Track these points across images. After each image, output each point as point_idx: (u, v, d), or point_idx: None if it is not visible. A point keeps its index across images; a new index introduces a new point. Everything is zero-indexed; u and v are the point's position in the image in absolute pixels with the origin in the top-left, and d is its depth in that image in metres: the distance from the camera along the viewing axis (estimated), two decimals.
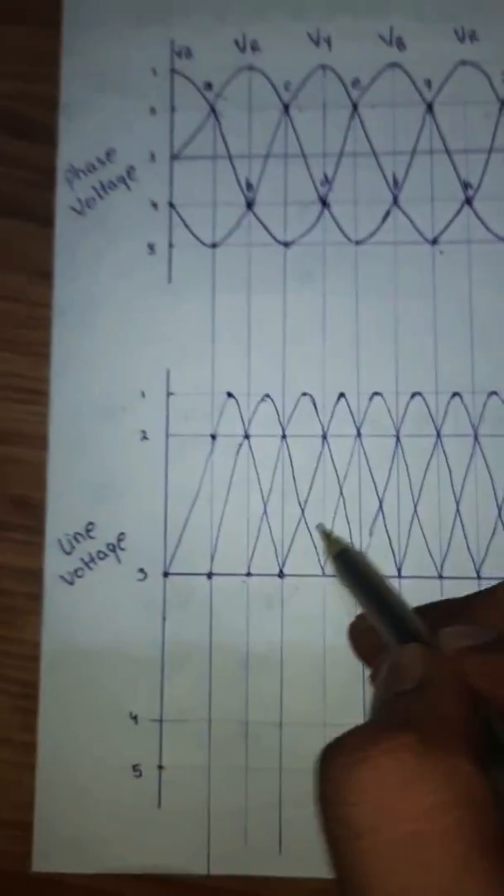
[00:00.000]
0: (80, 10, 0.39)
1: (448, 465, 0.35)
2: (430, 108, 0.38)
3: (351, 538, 0.35)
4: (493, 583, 0.34)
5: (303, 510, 0.35)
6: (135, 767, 0.34)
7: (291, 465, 0.36)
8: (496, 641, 0.22)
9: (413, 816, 0.17)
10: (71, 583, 0.35)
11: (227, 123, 0.38)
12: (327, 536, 0.31)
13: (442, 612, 0.25)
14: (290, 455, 0.36)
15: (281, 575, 0.35)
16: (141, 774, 0.34)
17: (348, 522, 0.35)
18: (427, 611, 0.25)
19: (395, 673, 0.23)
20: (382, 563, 0.35)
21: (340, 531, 0.35)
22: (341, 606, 0.35)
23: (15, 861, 0.34)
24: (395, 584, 0.30)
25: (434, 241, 0.37)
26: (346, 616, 0.28)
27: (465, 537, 0.35)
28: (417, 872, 0.17)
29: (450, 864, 0.17)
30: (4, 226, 0.38)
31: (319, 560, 0.35)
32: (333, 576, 0.31)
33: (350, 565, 0.29)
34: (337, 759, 0.18)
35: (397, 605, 0.27)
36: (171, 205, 0.38)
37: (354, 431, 0.36)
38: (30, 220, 0.38)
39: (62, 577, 0.35)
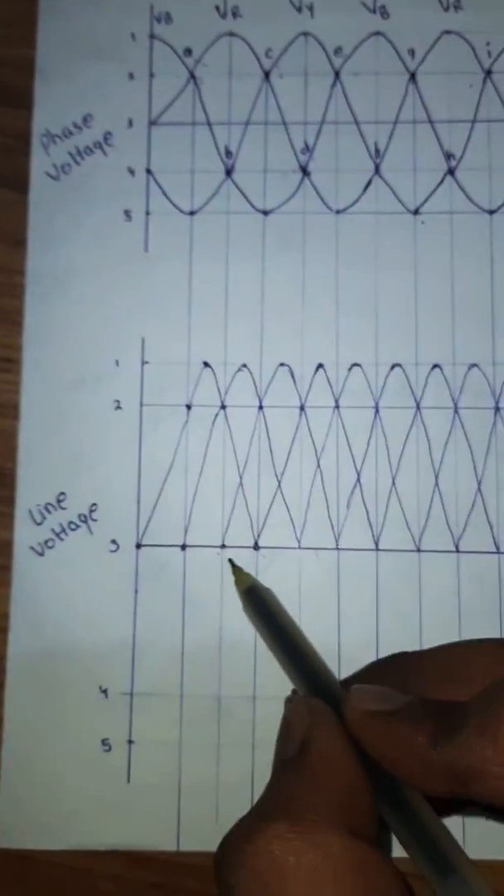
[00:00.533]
0: None
1: (427, 437, 0.35)
2: (413, 77, 0.37)
3: (328, 511, 0.34)
4: (471, 557, 0.34)
5: (279, 482, 0.35)
6: (104, 742, 0.33)
7: (268, 436, 0.35)
8: (407, 707, 0.22)
9: None
10: (41, 554, 0.35)
11: (207, 90, 0.37)
12: (235, 570, 0.32)
13: (392, 670, 0.25)
14: (266, 426, 0.35)
15: (256, 547, 0.34)
16: (110, 749, 0.33)
17: (325, 495, 0.34)
18: (381, 666, 0.25)
19: (283, 731, 0.24)
20: (360, 536, 0.34)
21: (315, 503, 0.34)
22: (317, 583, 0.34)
23: None
24: (301, 629, 0.31)
25: (416, 212, 0.36)
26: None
27: (444, 511, 0.34)
28: None
29: None
30: None
31: (295, 533, 0.34)
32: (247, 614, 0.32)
33: (259, 605, 0.31)
34: (224, 850, 0.21)
35: (310, 656, 0.28)
36: (149, 171, 0.37)
37: (333, 403, 0.35)
38: (3, 187, 0.37)
39: (32, 548, 0.35)
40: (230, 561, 0.33)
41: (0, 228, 0.37)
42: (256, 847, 0.20)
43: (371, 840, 0.20)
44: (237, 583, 0.32)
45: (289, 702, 0.25)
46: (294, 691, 0.28)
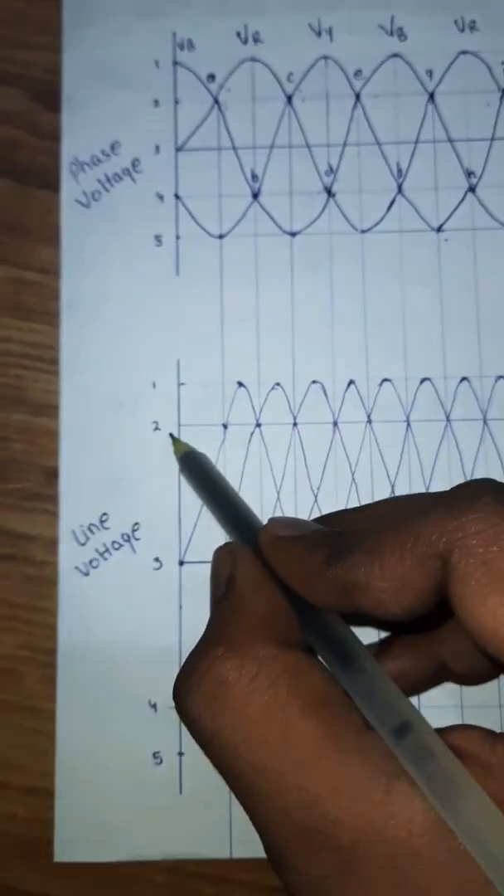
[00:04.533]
0: (82, 3, 0.39)
1: (458, 448, 0.36)
2: (431, 97, 0.38)
3: None
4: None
5: (315, 496, 0.36)
6: (155, 755, 0.34)
7: (303, 452, 0.36)
8: (311, 535, 0.25)
9: (239, 706, 0.22)
10: (86, 574, 0.35)
11: (231, 115, 0.38)
12: (174, 440, 0.35)
13: (328, 520, 0.28)
14: (301, 442, 0.36)
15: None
16: (161, 762, 0.34)
17: None
18: (319, 519, 0.28)
19: (212, 576, 0.28)
20: None
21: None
22: None
23: (43, 828, 0.34)
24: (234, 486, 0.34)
25: (439, 229, 0.37)
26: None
27: None
28: (262, 747, 0.21)
29: (282, 729, 0.21)
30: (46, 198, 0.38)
31: None
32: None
33: (194, 468, 0.33)
34: (177, 683, 0.23)
35: (235, 504, 0.31)
36: (177, 196, 0.38)
37: (365, 418, 0.36)
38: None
39: (77, 567, 0.35)
40: (170, 435, 0.36)
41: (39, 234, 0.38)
42: (201, 671, 0.23)
43: (300, 649, 0.23)
44: (175, 451, 0.35)
45: (214, 552, 0.28)
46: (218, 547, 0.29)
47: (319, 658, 0.24)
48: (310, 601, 0.24)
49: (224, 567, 0.26)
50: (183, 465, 0.34)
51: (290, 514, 0.35)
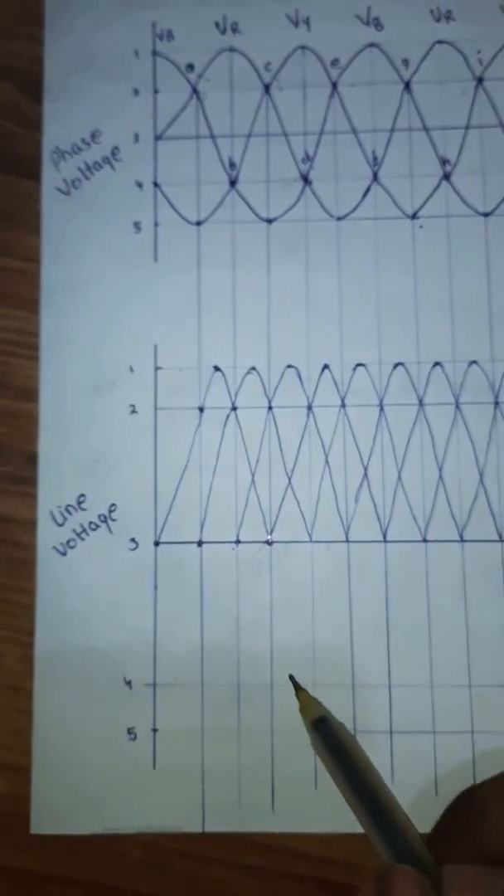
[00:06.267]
0: None
1: (431, 432, 0.36)
2: (407, 86, 0.38)
3: (338, 505, 0.36)
4: (475, 546, 0.35)
5: (290, 479, 0.36)
6: (130, 731, 0.35)
7: (278, 435, 0.37)
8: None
9: None
10: (64, 553, 0.36)
11: (210, 104, 0.39)
12: (301, 696, 0.29)
13: (464, 813, 0.25)
14: (276, 426, 0.37)
15: (269, 542, 0.36)
16: (136, 737, 0.35)
17: (334, 490, 0.36)
18: (456, 810, 0.25)
19: None
20: (368, 529, 0.36)
21: (325, 498, 0.36)
22: (328, 574, 0.36)
23: (19, 804, 0.35)
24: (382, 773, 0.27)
25: (414, 216, 0.38)
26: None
27: (448, 502, 0.36)
28: None
29: None
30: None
31: (307, 527, 0.36)
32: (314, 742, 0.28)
33: (329, 738, 0.27)
34: None
35: (392, 812, 0.25)
36: (156, 184, 0.38)
37: (339, 402, 0.37)
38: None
39: (55, 548, 0.36)
40: (291, 678, 0.30)
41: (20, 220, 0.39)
42: None
43: None
44: (303, 710, 0.28)
45: (388, 874, 0.23)
46: (391, 864, 0.25)
47: None
48: None
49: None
50: (315, 734, 0.28)
51: (264, 496, 0.36)
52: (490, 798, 0.25)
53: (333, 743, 0.27)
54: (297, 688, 0.29)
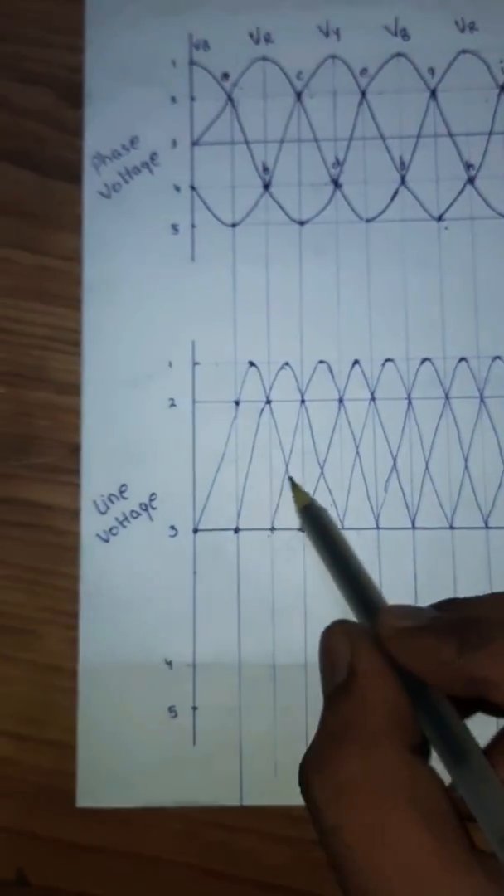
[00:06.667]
0: (104, 4, 0.41)
1: (456, 424, 0.38)
2: (433, 94, 0.40)
3: (368, 494, 0.38)
4: (500, 532, 0.37)
5: (322, 469, 0.38)
6: (171, 709, 0.37)
7: (310, 427, 0.38)
8: (434, 622, 0.24)
9: (361, 809, 0.22)
10: (106, 540, 0.38)
11: (244, 111, 0.41)
12: (295, 489, 0.33)
13: (448, 609, 0.26)
14: (308, 418, 0.38)
15: (302, 529, 0.37)
16: (176, 715, 0.36)
17: (364, 480, 0.38)
18: (438, 607, 0.26)
19: (329, 658, 0.26)
20: (397, 516, 0.37)
21: (355, 487, 0.38)
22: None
23: (65, 779, 0.37)
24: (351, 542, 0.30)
25: (439, 218, 0.39)
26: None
27: (474, 491, 0.37)
28: (377, 854, 0.21)
29: (399, 840, 0.21)
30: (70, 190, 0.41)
31: (338, 514, 0.38)
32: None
33: (315, 523, 0.31)
34: (307, 774, 0.23)
35: (356, 575, 0.29)
36: (193, 188, 0.40)
37: (368, 395, 0.38)
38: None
39: (98, 535, 0.38)
40: (290, 479, 0.37)
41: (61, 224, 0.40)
42: (333, 767, 0.23)
43: (418, 750, 0.23)
44: (296, 500, 0.33)
45: (329, 632, 0.26)
46: (331, 624, 0.28)
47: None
48: (437, 689, 0.24)
49: (342, 649, 0.25)
50: (303, 516, 0.32)
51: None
52: None
53: (319, 525, 0.31)
54: (293, 485, 0.34)
